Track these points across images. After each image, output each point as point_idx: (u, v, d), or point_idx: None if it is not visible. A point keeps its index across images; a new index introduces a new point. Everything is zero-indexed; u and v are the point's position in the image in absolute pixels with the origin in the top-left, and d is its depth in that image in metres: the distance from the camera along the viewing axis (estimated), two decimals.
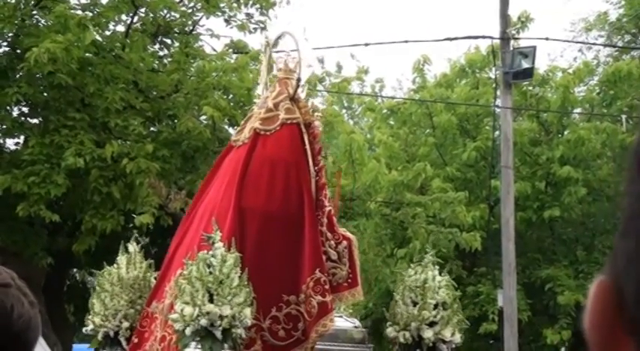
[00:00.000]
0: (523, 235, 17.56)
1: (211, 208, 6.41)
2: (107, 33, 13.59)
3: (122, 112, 12.69)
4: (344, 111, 22.52)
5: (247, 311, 5.89)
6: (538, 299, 17.58)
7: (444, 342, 6.78)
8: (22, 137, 13.43)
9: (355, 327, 7.21)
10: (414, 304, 6.83)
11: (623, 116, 17.72)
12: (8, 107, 12.94)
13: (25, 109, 13.60)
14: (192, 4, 14.10)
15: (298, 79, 6.66)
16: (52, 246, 13.27)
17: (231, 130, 13.10)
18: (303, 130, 6.50)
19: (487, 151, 17.83)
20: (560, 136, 18.77)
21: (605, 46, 22.48)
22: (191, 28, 14.29)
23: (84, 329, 6.95)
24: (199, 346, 5.90)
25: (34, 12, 13.20)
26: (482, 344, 17.89)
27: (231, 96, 13.71)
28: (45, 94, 12.94)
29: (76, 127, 12.43)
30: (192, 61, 13.94)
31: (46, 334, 11.54)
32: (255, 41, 14.66)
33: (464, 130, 19.13)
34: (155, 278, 6.71)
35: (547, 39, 16.01)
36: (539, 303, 17.59)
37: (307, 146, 6.46)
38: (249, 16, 14.28)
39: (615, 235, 0.74)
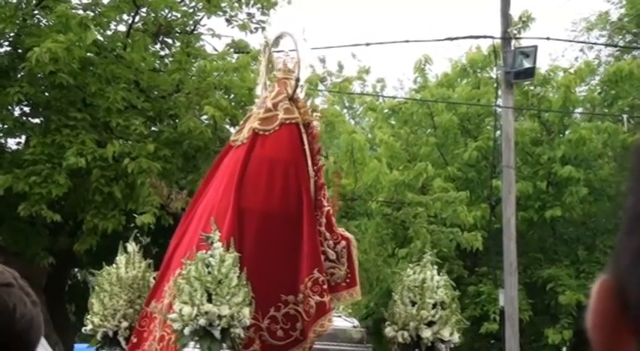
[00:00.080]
0: (524, 235, 17.55)
1: (210, 208, 6.41)
2: (108, 33, 13.59)
3: (123, 111, 12.70)
4: (345, 111, 22.51)
5: (246, 311, 5.89)
6: (539, 299, 17.58)
7: (443, 341, 6.78)
8: (24, 137, 13.43)
9: (354, 327, 7.21)
10: (413, 303, 6.83)
11: (625, 116, 17.71)
12: (10, 107, 12.94)
13: (27, 109, 13.60)
14: (193, 4, 14.10)
15: (297, 79, 6.67)
16: (54, 246, 13.28)
17: (232, 130, 13.08)
18: (302, 130, 6.51)
19: (488, 150, 17.83)
20: (561, 135, 18.77)
21: (606, 45, 22.48)
22: (192, 27, 14.29)
23: (83, 329, 6.95)
24: (198, 346, 5.91)
25: (36, 12, 13.21)
26: (483, 344, 17.89)
27: (232, 96, 13.71)
28: (46, 93, 12.94)
29: (77, 127, 12.43)
30: (193, 60, 13.93)
31: (48, 334, 11.54)
32: (256, 41, 14.66)
33: (465, 130, 19.13)
34: (154, 278, 6.71)
35: (548, 39, 16.01)
36: (540, 303, 17.59)
37: (306, 146, 6.46)
38: (250, 15, 14.28)
39: (617, 235, 0.74)
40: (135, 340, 6.44)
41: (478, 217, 16.86)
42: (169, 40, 14.43)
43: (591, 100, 19.52)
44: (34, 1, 13.12)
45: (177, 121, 13.36)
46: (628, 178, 0.74)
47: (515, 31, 15.83)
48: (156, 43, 14.20)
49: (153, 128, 13.79)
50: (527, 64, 15.02)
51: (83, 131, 12.36)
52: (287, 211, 6.33)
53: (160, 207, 12.47)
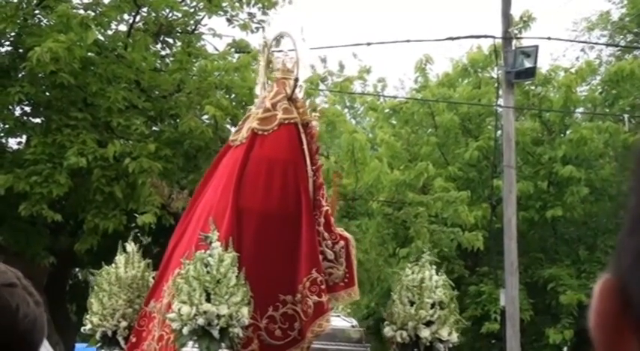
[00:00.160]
0: (525, 235, 17.55)
1: (209, 208, 6.42)
2: (109, 32, 13.60)
3: (124, 111, 12.70)
4: (346, 110, 22.49)
5: (244, 310, 5.90)
6: (540, 299, 17.58)
7: (441, 341, 6.78)
8: (25, 137, 13.44)
9: (353, 326, 7.21)
10: (412, 303, 6.83)
11: (626, 116, 17.71)
12: (11, 107, 12.94)
13: (28, 109, 13.61)
14: (194, 4, 14.10)
15: (296, 79, 6.67)
16: (55, 245, 13.28)
17: (233, 130, 13.08)
18: (301, 129, 6.51)
19: (489, 150, 17.83)
20: (562, 135, 18.77)
21: (607, 45, 22.48)
22: (193, 27, 14.29)
23: (82, 328, 6.96)
24: (196, 346, 5.91)
25: (37, 11, 13.22)
26: (484, 344, 17.89)
27: (233, 95, 13.71)
28: (47, 93, 12.95)
29: (78, 127, 12.44)
30: (194, 60, 13.94)
31: (49, 334, 11.49)
32: (257, 41, 14.65)
33: (466, 130, 19.13)
34: (153, 278, 6.72)
35: (549, 38, 16.01)
36: (541, 302, 17.59)
37: (305, 146, 6.46)
38: (251, 15, 14.27)
39: (619, 235, 0.74)
40: (134, 340, 6.44)
41: (479, 216, 16.86)
42: (170, 40, 14.43)
43: (592, 99, 19.52)
44: (34, 1, 13.12)
45: (178, 120, 13.36)
46: (629, 177, 0.74)
47: (516, 31, 15.84)
48: (157, 43, 14.20)
49: (154, 128, 13.79)
50: (528, 64, 15.02)
51: (84, 131, 12.37)
52: (286, 211, 6.33)
53: (160, 207, 12.47)
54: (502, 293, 15.22)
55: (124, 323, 6.61)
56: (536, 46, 15.22)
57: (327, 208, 6.51)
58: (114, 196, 12.35)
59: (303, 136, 6.49)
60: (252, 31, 14.18)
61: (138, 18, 13.73)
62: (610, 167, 18.56)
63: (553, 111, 18.61)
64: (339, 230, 6.64)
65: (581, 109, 19.96)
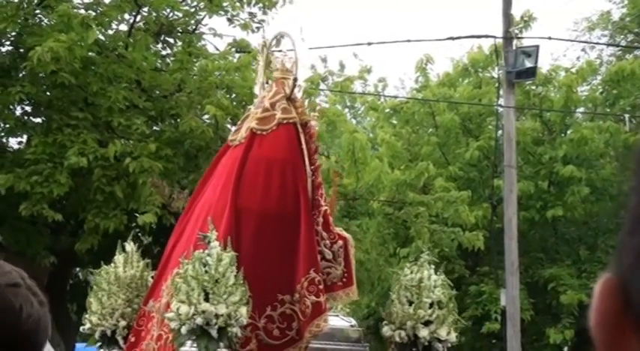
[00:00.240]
0: (526, 235, 17.56)
1: (208, 208, 6.43)
2: (110, 32, 13.60)
3: (125, 111, 12.70)
4: (346, 110, 22.49)
5: (243, 310, 5.90)
6: (541, 298, 17.58)
7: (440, 341, 6.78)
8: (25, 136, 13.44)
9: (351, 326, 7.21)
10: (410, 303, 6.83)
11: (626, 115, 17.71)
12: (11, 106, 12.95)
13: (28, 109, 13.61)
14: (195, 4, 14.10)
15: (295, 79, 6.68)
16: (55, 245, 13.28)
17: (233, 129, 13.09)
18: (300, 129, 6.52)
19: (490, 150, 17.83)
20: (563, 135, 18.78)
21: (608, 45, 22.49)
22: (194, 27, 14.29)
23: (81, 328, 6.97)
24: (195, 345, 5.92)
25: (37, 11, 13.22)
26: (484, 344, 17.89)
27: (233, 95, 13.71)
28: (48, 93, 12.95)
29: (78, 127, 12.44)
30: (195, 60, 13.93)
31: (50, 334, 11.53)
32: (257, 40, 14.65)
33: (466, 130, 19.13)
34: (152, 277, 6.72)
35: (550, 38, 16.01)
36: (542, 302, 17.59)
37: (303, 146, 6.47)
38: (251, 15, 14.27)
39: (620, 234, 0.74)
40: (133, 339, 6.45)
41: (480, 216, 16.86)
42: (171, 40, 14.43)
43: (593, 99, 19.52)
44: (35, 1, 13.13)
45: (178, 120, 13.37)
46: (630, 177, 0.74)
47: (516, 31, 15.84)
48: (157, 43, 14.20)
49: (154, 128, 13.79)
50: (528, 64, 15.02)
51: (85, 131, 12.37)
52: (284, 210, 6.33)
53: (161, 206, 12.47)
54: (503, 293, 15.23)
55: (122, 323, 6.62)
56: (537, 46, 15.22)
57: (326, 207, 6.51)
58: (114, 195, 12.35)
59: (301, 135, 6.49)
60: (253, 31, 14.19)
61: (138, 18, 13.74)
62: (611, 167, 18.56)
63: (554, 111, 18.61)
64: (338, 230, 6.64)
65: (581, 109, 19.97)
